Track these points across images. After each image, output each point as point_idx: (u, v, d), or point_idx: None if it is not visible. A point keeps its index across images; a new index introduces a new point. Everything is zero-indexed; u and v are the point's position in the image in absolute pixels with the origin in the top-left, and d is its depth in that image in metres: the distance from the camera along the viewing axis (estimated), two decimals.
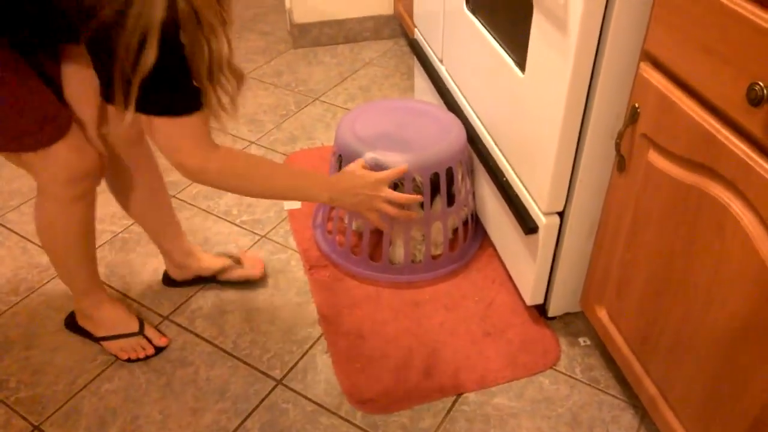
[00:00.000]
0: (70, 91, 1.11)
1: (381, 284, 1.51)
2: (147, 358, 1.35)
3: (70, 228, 1.19)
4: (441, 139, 1.48)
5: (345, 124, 1.52)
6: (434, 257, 1.53)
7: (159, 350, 1.36)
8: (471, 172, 1.57)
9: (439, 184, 1.45)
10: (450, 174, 1.46)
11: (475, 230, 1.63)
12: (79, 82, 1.09)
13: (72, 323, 1.39)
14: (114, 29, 0.82)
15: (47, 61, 1.07)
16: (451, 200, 1.48)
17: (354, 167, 1.16)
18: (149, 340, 1.36)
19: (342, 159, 1.47)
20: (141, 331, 1.36)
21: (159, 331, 1.39)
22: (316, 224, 1.67)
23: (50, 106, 1.05)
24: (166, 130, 0.95)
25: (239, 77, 0.95)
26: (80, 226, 1.20)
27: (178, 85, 0.90)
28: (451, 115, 1.57)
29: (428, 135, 1.49)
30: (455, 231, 1.58)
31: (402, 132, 1.51)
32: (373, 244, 1.56)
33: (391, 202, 1.16)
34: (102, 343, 1.36)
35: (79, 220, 1.19)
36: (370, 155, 1.38)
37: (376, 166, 1.37)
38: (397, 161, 1.38)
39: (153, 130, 0.95)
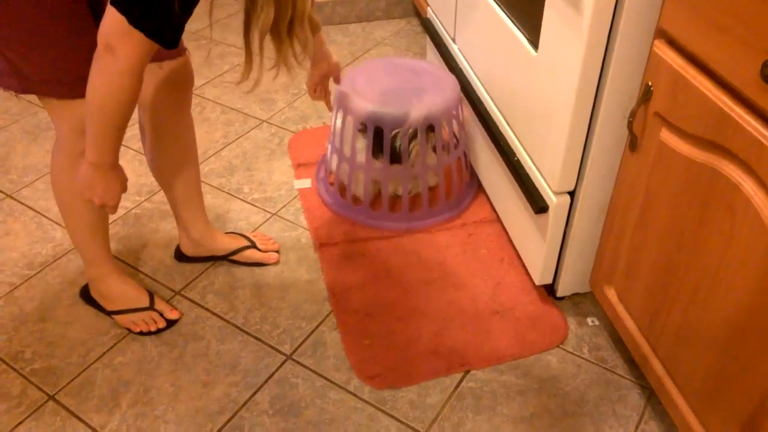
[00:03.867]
0: None
1: (385, 236, 1.56)
2: (159, 331, 1.37)
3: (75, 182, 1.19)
4: (436, 93, 1.56)
5: (346, 80, 1.58)
6: (431, 188, 1.64)
7: (171, 323, 1.38)
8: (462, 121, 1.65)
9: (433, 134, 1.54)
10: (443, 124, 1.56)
11: (470, 178, 1.73)
12: None
13: (86, 294, 1.42)
14: None
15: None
16: (446, 148, 1.61)
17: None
18: (161, 314, 1.38)
19: (344, 112, 1.57)
20: (151, 306, 1.38)
21: (170, 304, 1.41)
22: (319, 177, 1.77)
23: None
24: (113, 23, 0.90)
25: (315, 27, 0.99)
26: None
27: (150, 4, 0.88)
28: (447, 73, 1.66)
29: (424, 90, 1.58)
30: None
31: (400, 87, 1.60)
32: (374, 195, 1.66)
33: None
34: (113, 316, 1.38)
35: None
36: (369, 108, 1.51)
37: (375, 117, 1.51)
38: (394, 113, 1.51)
39: (108, 15, 0.90)
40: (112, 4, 0.88)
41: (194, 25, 0.97)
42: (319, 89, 1.44)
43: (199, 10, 0.94)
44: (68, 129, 1.13)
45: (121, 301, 1.37)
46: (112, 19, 0.89)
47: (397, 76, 1.64)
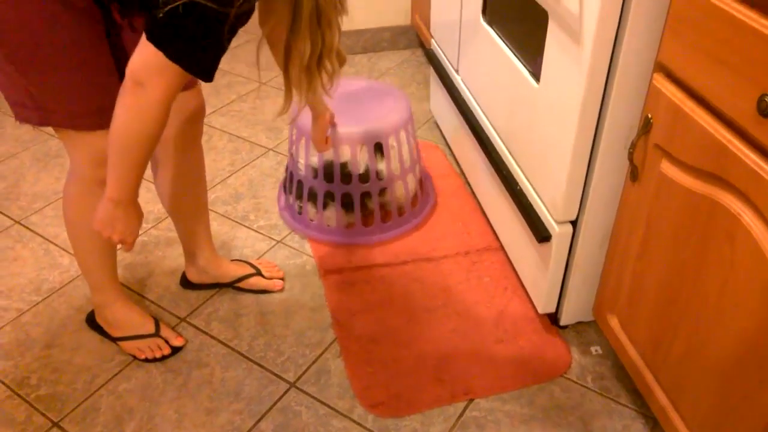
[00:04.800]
0: None
1: (390, 263, 1.55)
2: (164, 358, 1.37)
3: (91, 211, 1.17)
4: (386, 112, 1.64)
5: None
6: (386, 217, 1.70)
7: (175, 350, 1.39)
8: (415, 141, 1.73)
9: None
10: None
11: (428, 193, 1.82)
12: None
13: (92, 320, 1.43)
14: None
15: (130, 37, 1.10)
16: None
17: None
18: (166, 341, 1.38)
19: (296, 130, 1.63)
20: (157, 332, 1.39)
21: (175, 331, 1.42)
22: (281, 207, 1.79)
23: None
24: (150, 60, 0.91)
25: (342, 60, 1.04)
26: None
27: (192, 38, 0.89)
28: (400, 93, 1.73)
29: (374, 109, 1.66)
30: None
31: (352, 107, 1.66)
32: (341, 216, 1.68)
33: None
34: (119, 343, 1.39)
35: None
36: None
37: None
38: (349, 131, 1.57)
39: (141, 51, 0.91)
40: (149, 39, 0.89)
41: None
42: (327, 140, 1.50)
43: None
44: (83, 160, 1.15)
45: (127, 327, 1.38)
46: (147, 54, 0.89)
47: (352, 95, 1.72)
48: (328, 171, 1.60)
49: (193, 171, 1.37)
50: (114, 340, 1.40)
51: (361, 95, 1.71)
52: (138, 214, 1.09)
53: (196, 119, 1.29)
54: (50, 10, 0.98)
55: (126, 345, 1.38)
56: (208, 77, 0.95)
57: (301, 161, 1.63)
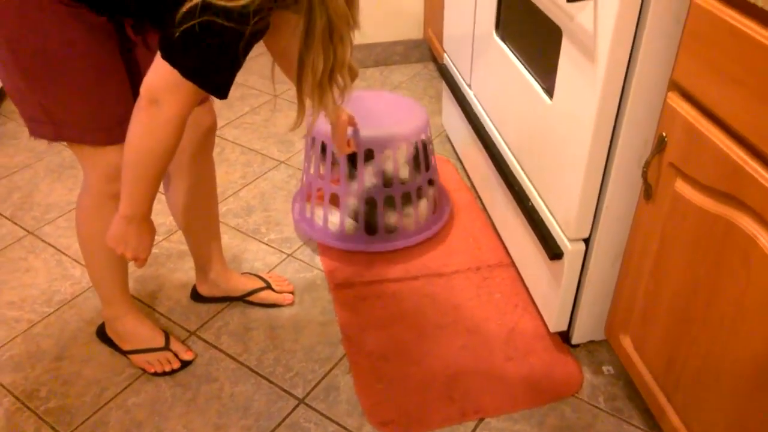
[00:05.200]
0: None
1: (400, 278, 1.54)
2: (173, 371, 1.37)
3: (103, 224, 1.18)
4: (403, 120, 1.65)
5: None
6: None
7: (185, 364, 1.39)
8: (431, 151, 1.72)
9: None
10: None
11: (442, 201, 1.80)
12: None
13: (102, 333, 1.43)
14: None
15: (145, 51, 1.11)
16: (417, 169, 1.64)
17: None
18: (175, 354, 1.38)
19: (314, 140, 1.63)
20: (166, 346, 1.38)
21: (185, 345, 1.42)
22: (296, 218, 1.76)
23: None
24: (167, 76, 0.91)
25: (354, 75, 1.04)
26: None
27: (207, 56, 0.90)
28: (414, 103, 1.73)
29: (392, 117, 1.67)
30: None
31: (371, 115, 1.66)
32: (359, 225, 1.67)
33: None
34: (129, 356, 1.39)
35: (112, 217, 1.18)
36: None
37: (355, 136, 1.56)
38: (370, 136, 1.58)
39: (156, 69, 0.92)
40: (164, 57, 0.89)
41: None
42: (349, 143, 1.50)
43: None
44: (96, 174, 1.15)
45: (137, 340, 1.38)
46: (163, 72, 0.90)
47: (366, 104, 1.72)
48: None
49: (205, 184, 1.37)
50: (124, 353, 1.40)
51: (376, 104, 1.71)
52: (151, 231, 1.10)
53: (207, 133, 1.30)
54: (61, 22, 0.98)
55: (136, 358, 1.38)
56: (223, 95, 0.95)
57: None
